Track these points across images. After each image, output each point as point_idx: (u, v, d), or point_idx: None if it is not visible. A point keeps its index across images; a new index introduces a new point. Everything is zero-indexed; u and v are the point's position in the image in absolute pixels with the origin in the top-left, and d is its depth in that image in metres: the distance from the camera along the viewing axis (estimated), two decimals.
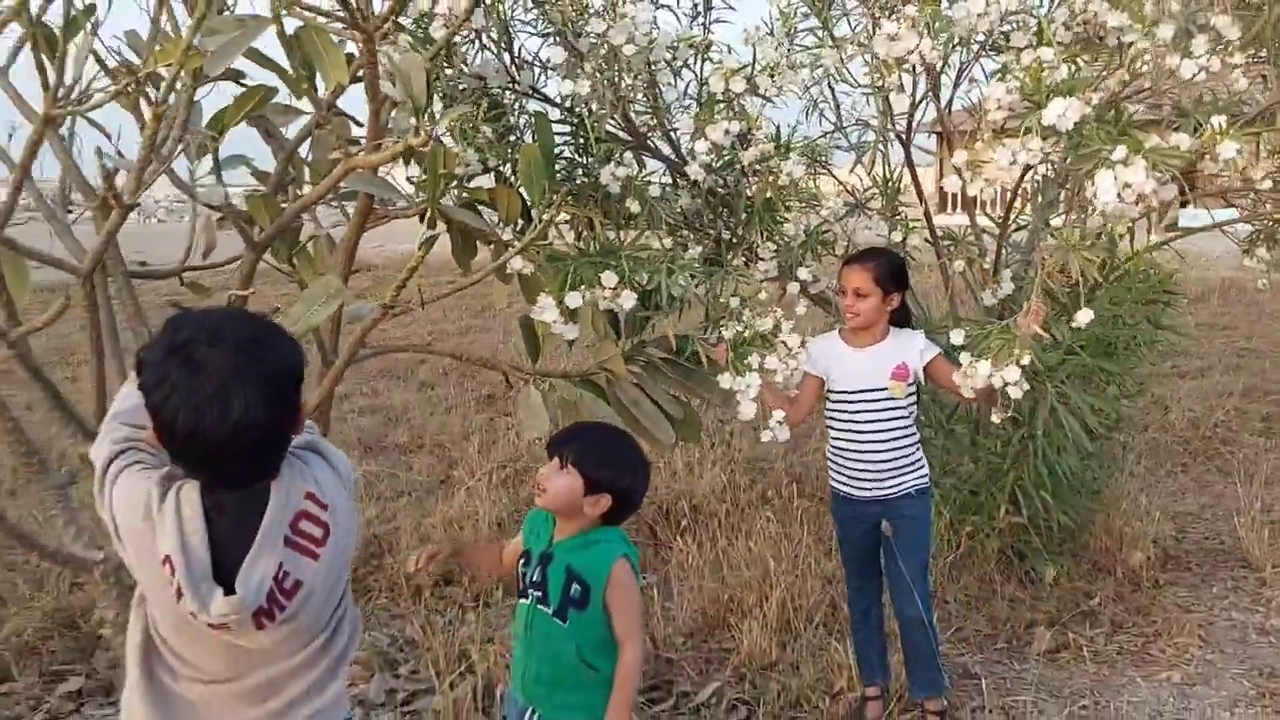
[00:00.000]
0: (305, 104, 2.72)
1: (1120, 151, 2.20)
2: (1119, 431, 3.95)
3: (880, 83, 2.64)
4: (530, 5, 2.97)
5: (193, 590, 1.34)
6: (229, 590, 1.35)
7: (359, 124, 2.82)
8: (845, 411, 2.90)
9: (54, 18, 2.41)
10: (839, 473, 2.95)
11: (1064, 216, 3.50)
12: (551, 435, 2.35)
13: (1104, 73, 2.60)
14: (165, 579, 1.36)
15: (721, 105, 2.74)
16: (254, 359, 1.35)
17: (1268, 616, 3.53)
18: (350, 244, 2.66)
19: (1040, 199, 3.63)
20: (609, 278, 2.60)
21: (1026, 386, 2.51)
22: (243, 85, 2.68)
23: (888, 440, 2.85)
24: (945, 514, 3.73)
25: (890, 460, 2.85)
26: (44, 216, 2.83)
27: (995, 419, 2.70)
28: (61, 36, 2.26)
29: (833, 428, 2.95)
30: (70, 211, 3.10)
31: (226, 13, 2.40)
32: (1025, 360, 2.48)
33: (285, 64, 2.62)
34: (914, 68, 2.98)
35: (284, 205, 2.59)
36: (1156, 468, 4.98)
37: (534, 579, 2.15)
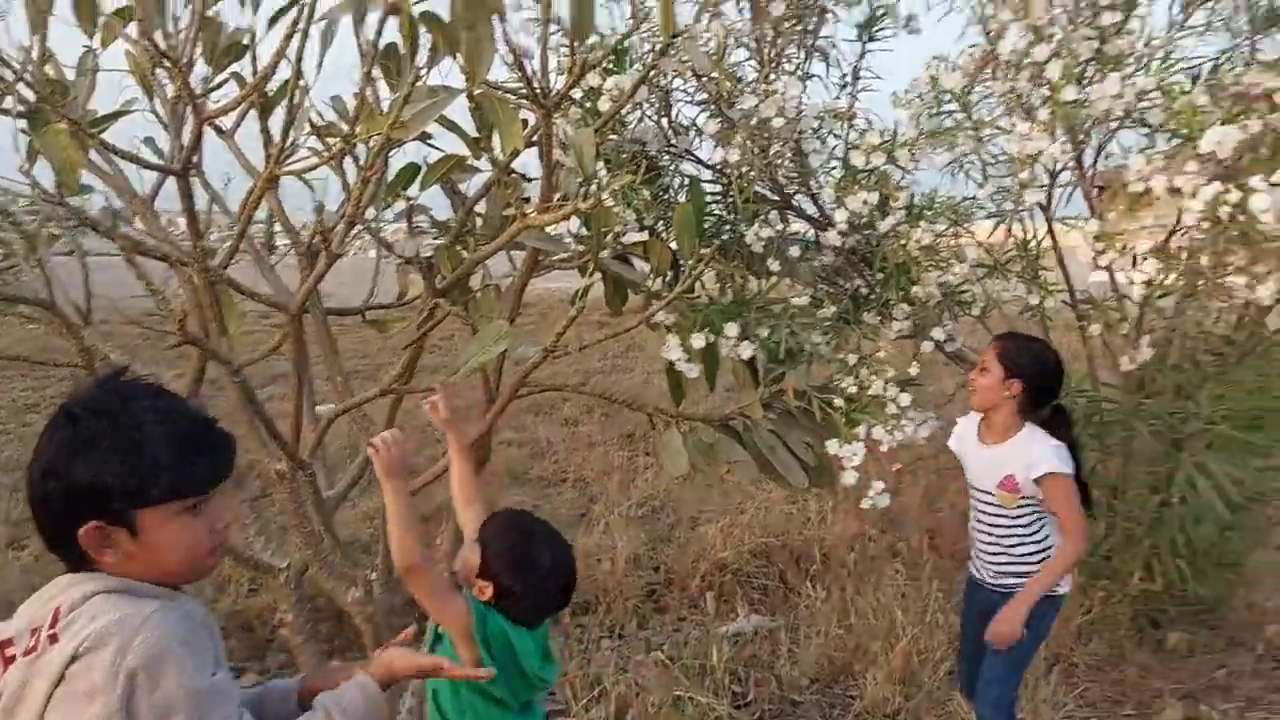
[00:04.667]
0: (483, 163, 3.03)
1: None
2: (1263, 503, 3.89)
3: (1018, 173, 2.77)
4: (689, 76, 3.22)
5: None
6: None
7: (528, 180, 3.12)
8: (970, 494, 2.96)
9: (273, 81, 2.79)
10: (970, 544, 3.00)
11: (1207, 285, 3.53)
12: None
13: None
14: None
15: (863, 175, 2.92)
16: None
17: None
18: (518, 290, 2.94)
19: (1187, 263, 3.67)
20: (731, 328, 2.80)
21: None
22: (429, 145, 3.01)
23: (999, 540, 2.85)
24: (1078, 576, 3.74)
25: (1000, 559, 2.85)
26: (252, 258, 3.21)
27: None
28: (286, 101, 2.62)
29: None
30: (273, 253, 3.50)
31: (420, 82, 2.72)
32: None
33: (467, 126, 2.95)
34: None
35: (463, 254, 2.88)
36: None
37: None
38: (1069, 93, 2.59)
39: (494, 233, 3.05)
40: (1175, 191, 2.53)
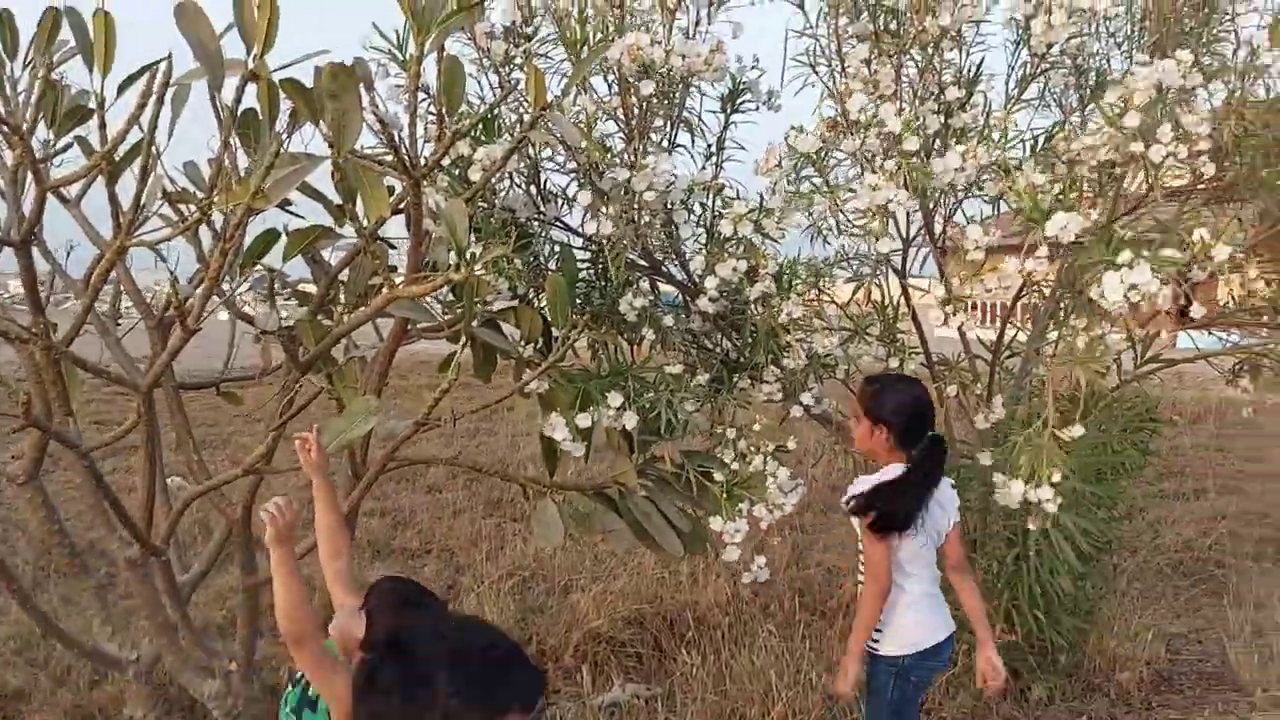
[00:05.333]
0: (347, 230, 2.96)
1: (1125, 255, 2.41)
2: (1109, 553, 4.08)
3: (869, 225, 2.87)
4: (558, 147, 3.23)
5: None
6: None
7: (393, 247, 3.06)
8: None
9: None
10: None
11: (1055, 343, 3.73)
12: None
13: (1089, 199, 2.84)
14: None
15: (731, 243, 2.97)
16: None
17: None
18: (385, 361, 2.86)
19: (1033, 326, 3.87)
20: (614, 398, 2.80)
21: (1060, 501, 2.67)
22: (288, 211, 2.93)
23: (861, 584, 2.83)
24: None
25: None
26: (97, 331, 3.04)
27: (1032, 526, 2.85)
28: (138, 167, 2.50)
29: None
30: (119, 323, 3.32)
31: (282, 150, 2.65)
32: (1056, 478, 2.65)
33: (328, 192, 2.88)
34: (902, 211, 3.21)
35: (326, 324, 2.79)
36: (1149, 590, 5.08)
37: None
38: (911, 143, 2.71)
39: (358, 301, 2.97)
40: (1028, 275, 2.67)
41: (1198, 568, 5.48)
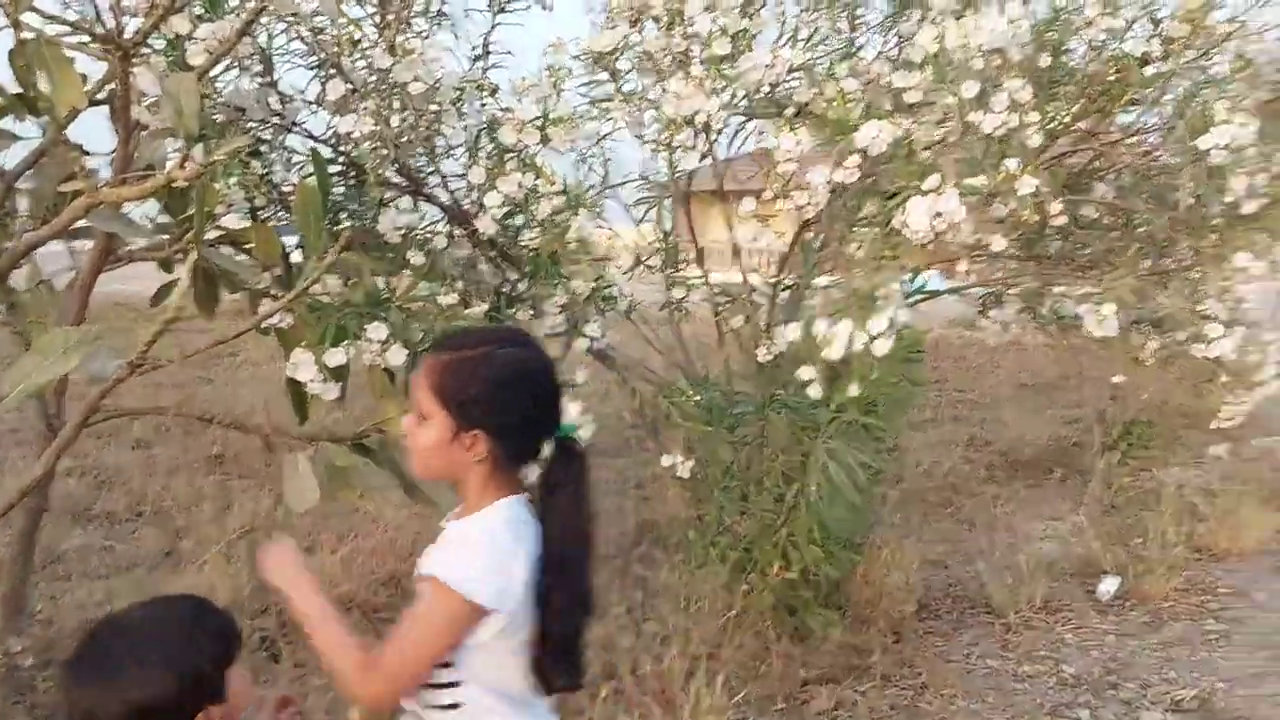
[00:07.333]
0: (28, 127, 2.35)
1: (933, 180, 2.27)
2: (880, 484, 4.09)
3: (669, 139, 2.60)
4: (297, 35, 2.73)
5: None
6: None
7: (86, 153, 2.47)
8: None
9: None
10: None
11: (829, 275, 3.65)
12: None
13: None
14: None
15: (512, 156, 2.61)
16: None
17: (1019, 663, 3.73)
18: (84, 288, 2.30)
19: (806, 259, 3.76)
20: (377, 330, 2.39)
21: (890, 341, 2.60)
22: None
23: None
24: (722, 574, 3.71)
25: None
26: None
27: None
28: None
29: None
30: None
31: None
32: (883, 322, 2.52)
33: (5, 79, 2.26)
34: (698, 126, 2.96)
35: (3, 244, 2.20)
36: (906, 519, 5.22)
37: None
38: (721, 45, 2.45)
39: (46, 214, 2.38)
40: (839, 188, 2.49)
41: (941, 495, 5.71)
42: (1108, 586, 4.41)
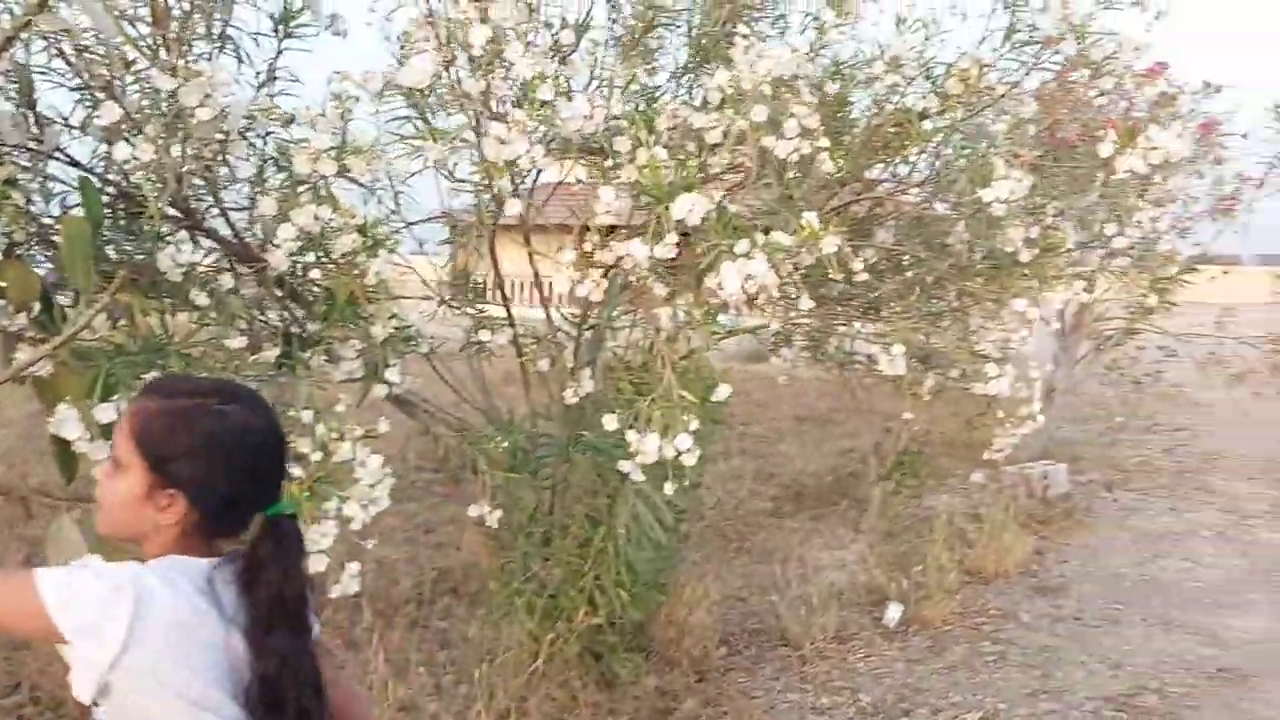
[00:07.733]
0: None
1: (743, 245, 2.29)
2: (684, 522, 4.10)
3: (488, 182, 2.51)
4: (59, 53, 2.48)
5: None
6: None
7: None
8: None
9: None
10: None
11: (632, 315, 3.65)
12: None
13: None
14: None
15: (307, 188, 2.44)
16: None
17: (817, 695, 3.81)
18: None
19: (610, 301, 3.74)
20: None
21: (699, 451, 2.58)
22: None
23: None
24: (527, 624, 3.60)
25: None
26: None
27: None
28: None
29: None
30: None
31: None
32: (694, 425, 2.50)
33: None
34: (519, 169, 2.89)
35: None
36: (706, 556, 5.25)
37: None
38: (545, 91, 2.40)
39: None
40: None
41: (735, 529, 5.81)
42: (893, 613, 4.60)
